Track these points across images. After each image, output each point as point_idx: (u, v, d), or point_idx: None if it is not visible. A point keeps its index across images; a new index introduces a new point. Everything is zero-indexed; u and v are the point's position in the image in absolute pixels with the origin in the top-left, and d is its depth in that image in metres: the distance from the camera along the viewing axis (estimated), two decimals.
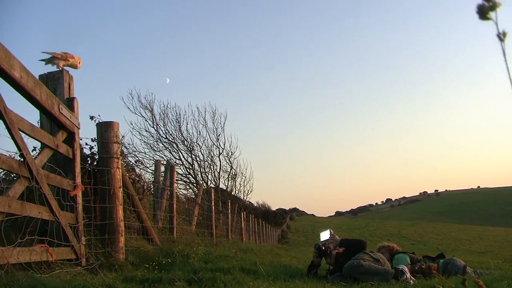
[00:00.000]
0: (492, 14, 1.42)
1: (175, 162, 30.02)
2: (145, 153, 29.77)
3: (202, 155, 32.16)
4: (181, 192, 20.48)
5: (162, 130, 30.98)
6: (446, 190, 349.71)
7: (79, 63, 6.14)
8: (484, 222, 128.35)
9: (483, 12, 1.43)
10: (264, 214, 65.37)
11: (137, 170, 14.15)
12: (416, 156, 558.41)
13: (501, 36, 1.40)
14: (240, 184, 33.96)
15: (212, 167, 32.40)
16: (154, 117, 30.81)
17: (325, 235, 7.17)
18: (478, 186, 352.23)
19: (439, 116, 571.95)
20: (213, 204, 15.46)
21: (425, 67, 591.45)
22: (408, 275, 5.59)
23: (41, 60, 5.76)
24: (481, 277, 5.43)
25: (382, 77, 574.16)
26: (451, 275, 5.78)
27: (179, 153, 31.51)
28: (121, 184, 6.62)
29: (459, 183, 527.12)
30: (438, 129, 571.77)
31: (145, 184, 11.03)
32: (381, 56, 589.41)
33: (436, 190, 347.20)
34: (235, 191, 33.53)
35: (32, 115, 5.53)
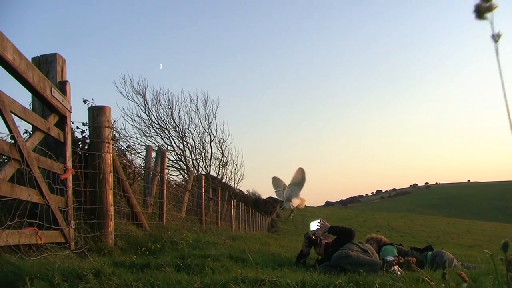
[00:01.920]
0: (488, 15, 1.44)
1: (167, 148, 29.95)
2: (137, 139, 29.72)
3: (194, 142, 32.08)
4: (172, 179, 20.46)
5: (154, 116, 30.90)
6: (436, 183, 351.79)
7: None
8: (473, 216, 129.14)
9: (480, 12, 1.44)
10: (254, 203, 65.27)
11: (128, 155, 14.12)
12: (407, 148, 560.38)
13: (496, 37, 1.42)
14: (231, 171, 33.90)
15: (203, 154, 32.35)
16: (147, 102, 30.71)
17: (315, 225, 7.19)
18: (469, 180, 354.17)
19: (431, 110, 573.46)
20: (203, 191, 15.47)
21: (421, 64, 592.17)
22: (396, 266, 5.63)
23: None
24: (468, 271, 5.47)
25: (377, 71, 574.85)
26: (439, 268, 5.82)
27: (171, 139, 31.44)
28: (112, 169, 6.62)
29: (450, 176, 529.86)
30: (430, 122, 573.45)
31: (136, 169, 11.03)
32: (381, 51, 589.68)
33: (426, 183, 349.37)
34: (226, 179, 33.49)
35: (24, 97, 5.53)
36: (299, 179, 7.10)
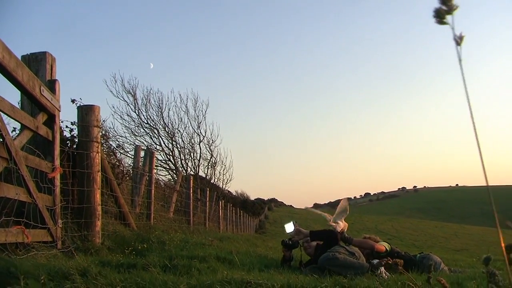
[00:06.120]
0: (448, 18, 1.41)
1: (156, 148, 29.93)
2: (126, 138, 29.64)
3: (183, 142, 32.08)
4: (160, 179, 20.42)
5: (143, 115, 30.85)
6: (425, 186, 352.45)
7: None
8: (461, 220, 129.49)
9: (440, 16, 1.42)
10: (243, 204, 65.41)
11: (118, 154, 14.09)
12: (395, 151, 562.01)
13: (458, 40, 1.40)
14: (219, 172, 33.93)
15: (192, 154, 32.35)
16: (136, 101, 30.65)
17: (289, 227, 7.23)
18: (457, 184, 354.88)
19: (420, 112, 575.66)
20: (191, 191, 15.48)
21: (410, 67, 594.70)
22: (383, 269, 5.65)
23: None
24: (453, 275, 5.51)
25: (366, 73, 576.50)
26: (426, 271, 5.85)
27: (160, 139, 31.42)
28: (100, 168, 6.61)
29: (438, 180, 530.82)
30: (419, 125, 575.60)
31: (124, 169, 11.02)
32: (370, 52, 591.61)
33: (414, 186, 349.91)
34: (214, 179, 33.50)
35: (13, 96, 5.51)
36: (344, 208, 7.56)
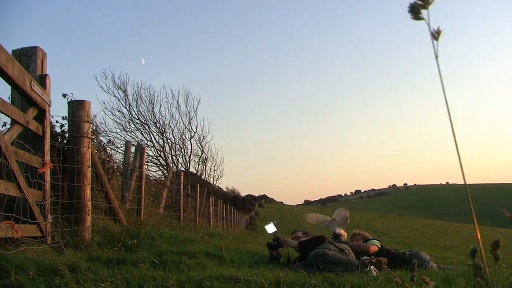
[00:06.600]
0: (424, 13, 1.42)
1: (146, 144, 29.87)
2: (117, 133, 29.58)
3: (174, 138, 32.04)
4: (150, 174, 20.39)
5: (134, 111, 30.79)
6: (415, 184, 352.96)
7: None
8: (451, 218, 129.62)
9: (415, 12, 1.43)
10: (233, 200, 65.44)
11: (108, 150, 14.06)
12: (386, 149, 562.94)
13: (435, 34, 1.41)
14: (210, 168, 33.90)
15: (183, 150, 32.32)
16: (127, 97, 30.58)
17: (270, 228, 7.28)
18: (447, 182, 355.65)
19: (411, 110, 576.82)
20: (182, 187, 15.47)
21: (403, 65, 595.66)
22: (372, 266, 5.67)
23: None
24: (443, 272, 5.53)
25: (362, 68, 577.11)
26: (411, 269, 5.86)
27: (151, 134, 31.38)
28: (90, 164, 6.60)
29: (428, 178, 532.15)
30: (410, 122, 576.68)
31: (114, 164, 11.00)
32: (366, 45, 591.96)
33: (405, 184, 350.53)
34: (205, 176, 33.48)
35: (3, 90, 5.50)
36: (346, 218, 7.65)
